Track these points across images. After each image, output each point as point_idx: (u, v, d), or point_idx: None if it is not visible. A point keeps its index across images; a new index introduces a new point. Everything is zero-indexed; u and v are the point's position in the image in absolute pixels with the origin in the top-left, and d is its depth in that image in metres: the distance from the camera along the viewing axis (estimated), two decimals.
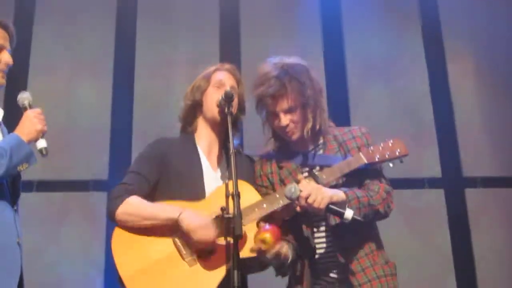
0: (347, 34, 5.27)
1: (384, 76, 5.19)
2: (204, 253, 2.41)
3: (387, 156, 2.52)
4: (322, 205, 2.30)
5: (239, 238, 2.18)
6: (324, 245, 2.54)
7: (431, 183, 4.93)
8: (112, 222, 2.51)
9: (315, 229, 2.55)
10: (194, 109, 2.75)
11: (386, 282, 2.45)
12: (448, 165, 4.98)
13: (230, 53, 5.11)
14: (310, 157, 2.63)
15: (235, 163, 2.33)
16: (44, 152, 2.41)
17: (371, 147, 2.55)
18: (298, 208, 2.38)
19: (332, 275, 2.52)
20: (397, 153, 2.52)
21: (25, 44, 4.90)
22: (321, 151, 2.63)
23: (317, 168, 2.59)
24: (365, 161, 2.51)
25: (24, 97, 2.48)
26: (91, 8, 5.15)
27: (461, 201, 4.91)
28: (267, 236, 2.34)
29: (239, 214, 2.18)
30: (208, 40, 5.16)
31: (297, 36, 5.14)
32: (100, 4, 5.18)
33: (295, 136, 2.61)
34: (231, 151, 2.36)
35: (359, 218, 2.31)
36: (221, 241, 2.38)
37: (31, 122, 2.39)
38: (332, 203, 2.33)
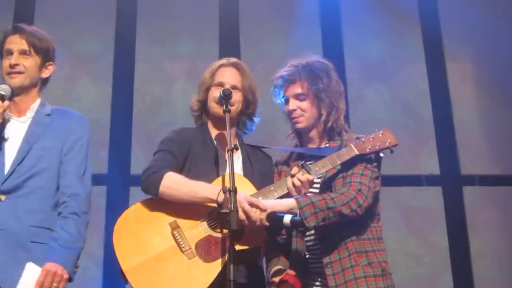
0: (346, 33, 5.28)
1: (383, 74, 5.21)
2: (202, 246, 2.44)
3: (377, 147, 2.53)
4: (264, 221, 2.35)
5: (235, 233, 2.20)
6: (311, 245, 2.55)
7: (429, 180, 4.93)
8: (153, 195, 2.53)
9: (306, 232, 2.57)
10: (203, 104, 2.85)
11: (366, 283, 2.39)
12: (446, 163, 4.99)
13: (229, 51, 5.12)
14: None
15: (237, 158, 2.53)
16: None
17: (362, 139, 2.57)
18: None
19: (318, 282, 2.53)
20: (387, 143, 2.54)
21: None
22: None
23: (312, 162, 2.59)
24: (356, 152, 2.52)
25: (1, 87, 2.54)
26: (91, 5, 5.16)
27: (459, 199, 4.92)
28: None
29: (235, 210, 2.20)
30: (207, 37, 5.17)
31: (296, 35, 5.12)
32: (100, 1, 5.20)
33: (300, 125, 2.67)
34: (228, 147, 2.41)
35: (299, 219, 2.31)
36: (217, 233, 2.43)
37: None
38: (274, 213, 2.35)
